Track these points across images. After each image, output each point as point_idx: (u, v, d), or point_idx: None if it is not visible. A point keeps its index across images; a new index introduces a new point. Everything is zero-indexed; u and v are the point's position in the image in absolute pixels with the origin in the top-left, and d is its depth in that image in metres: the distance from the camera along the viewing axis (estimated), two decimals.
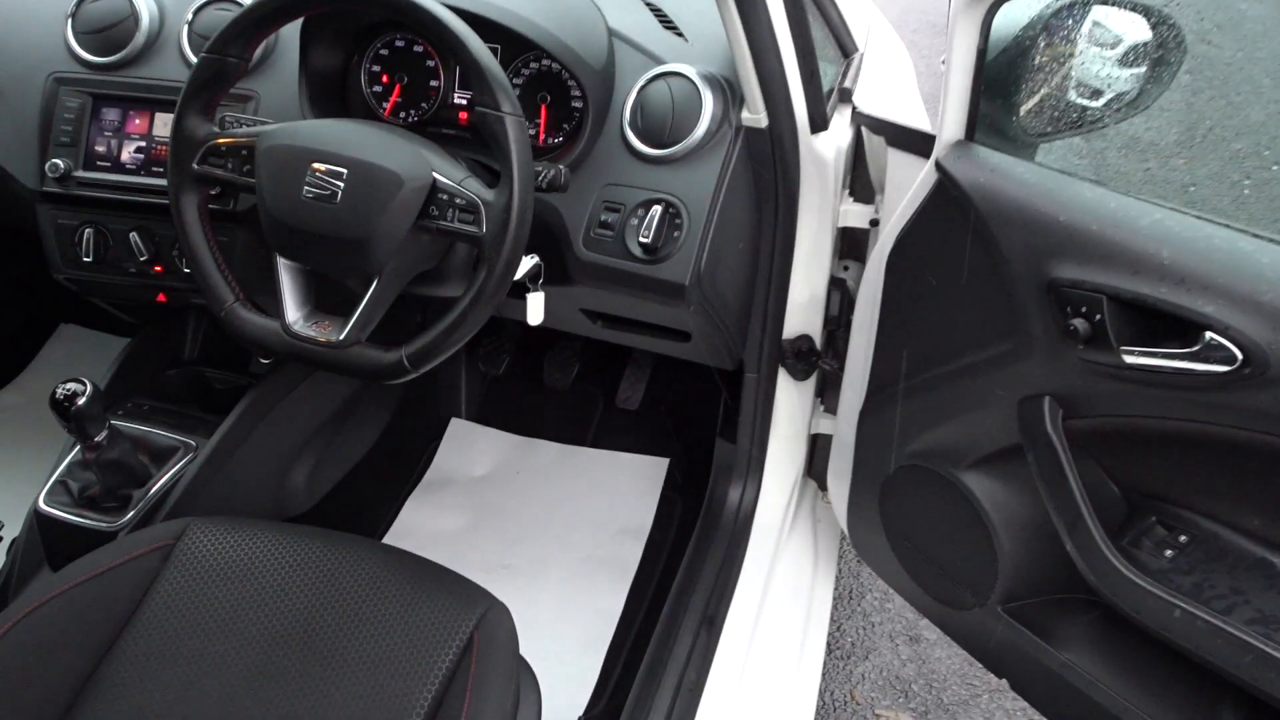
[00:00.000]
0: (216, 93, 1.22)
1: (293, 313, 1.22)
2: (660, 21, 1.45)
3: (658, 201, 1.29)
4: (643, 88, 1.32)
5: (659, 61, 1.36)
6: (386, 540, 1.89)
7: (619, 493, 2.00)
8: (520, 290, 1.48)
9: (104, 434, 1.41)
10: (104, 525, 1.41)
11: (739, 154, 1.32)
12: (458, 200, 1.14)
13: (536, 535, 1.92)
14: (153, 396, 1.65)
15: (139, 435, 1.53)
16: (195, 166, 1.22)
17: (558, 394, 2.15)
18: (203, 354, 1.79)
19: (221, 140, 1.21)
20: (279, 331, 1.21)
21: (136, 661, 1.10)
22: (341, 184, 1.14)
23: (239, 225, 1.47)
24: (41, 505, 1.44)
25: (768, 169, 1.37)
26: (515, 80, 1.43)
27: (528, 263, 1.25)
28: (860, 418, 1.54)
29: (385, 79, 1.48)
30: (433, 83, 1.47)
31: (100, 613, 1.14)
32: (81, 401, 1.35)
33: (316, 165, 1.15)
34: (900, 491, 1.50)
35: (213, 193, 1.31)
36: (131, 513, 1.42)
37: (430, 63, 1.47)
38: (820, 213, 1.47)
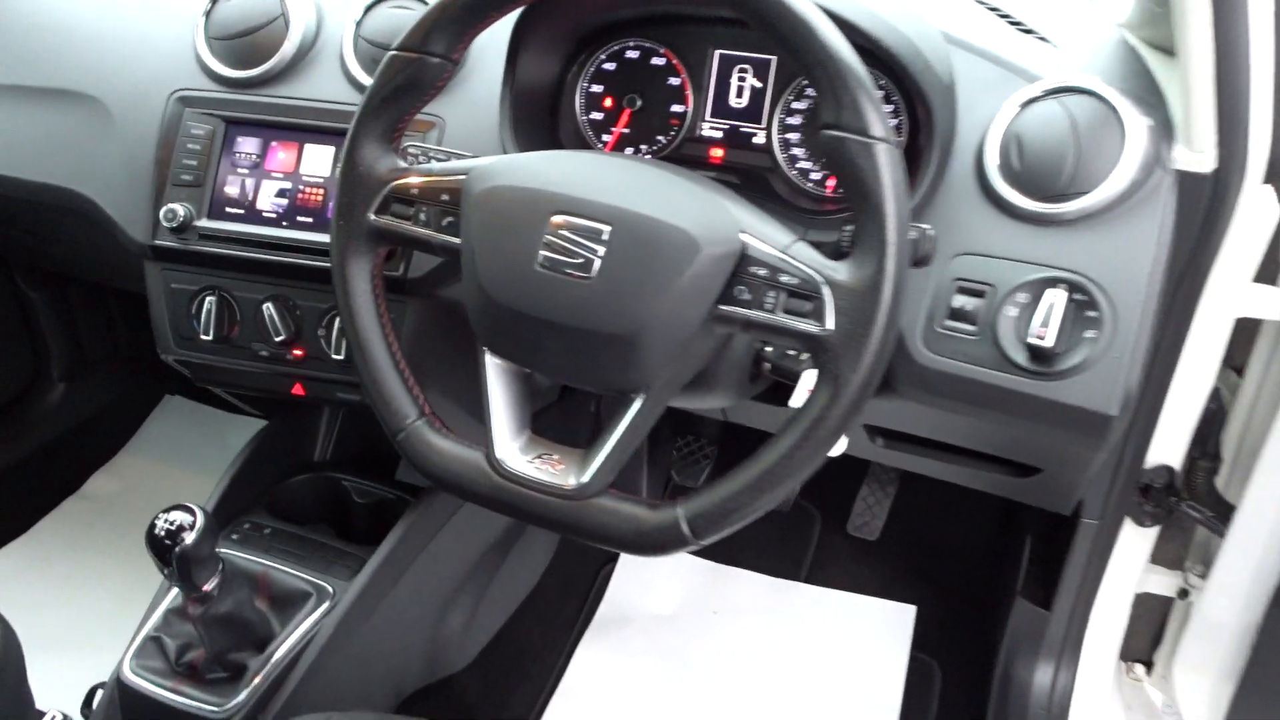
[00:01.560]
0: (409, 108, 0.83)
1: (506, 440, 0.80)
2: (1008, 23, 1.02)
3: (1057, 282, 0.84)
4: (1020, 111, 0.89)
5: (1029, 76, 0.92)
6: (557, 699, 1.46)
7: (850, 649, 1.53)
8: (777, 395, 1.06)
9: (215, 581, 1.02)
10: (209, 711, 1.01)
11: (1175, 211, 0.86)
12: (783, 277, 0.72)
13: (741, 705, 1.46)
14: (275, 512, 1.27)
15: (258, 574, 1.14)
16: (373, 217, 0.83)
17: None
18: (337, 454, 1.41)
19: (413, 179, 0.82)
20: (483, 467, 0.80)
21: None
22: (600, 248, 0.73)
23: (408, 298, 1.08)
24: (126, 673, 1.05)
25: (1188, 232, 0.92)
26: (795, 101, 1.02)
27: None
28: (1276, 598, 1.07)
29: (609, 102, 1.08)
30: (675, 107, 1.07)
31: None
32: (189, 540, 0.96)
33: (559, 219, 0.75)
34: None
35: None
36: (245, 693, 1.03)
37: (673, 80, 1.06)
38: (1225, 296, 1.01)
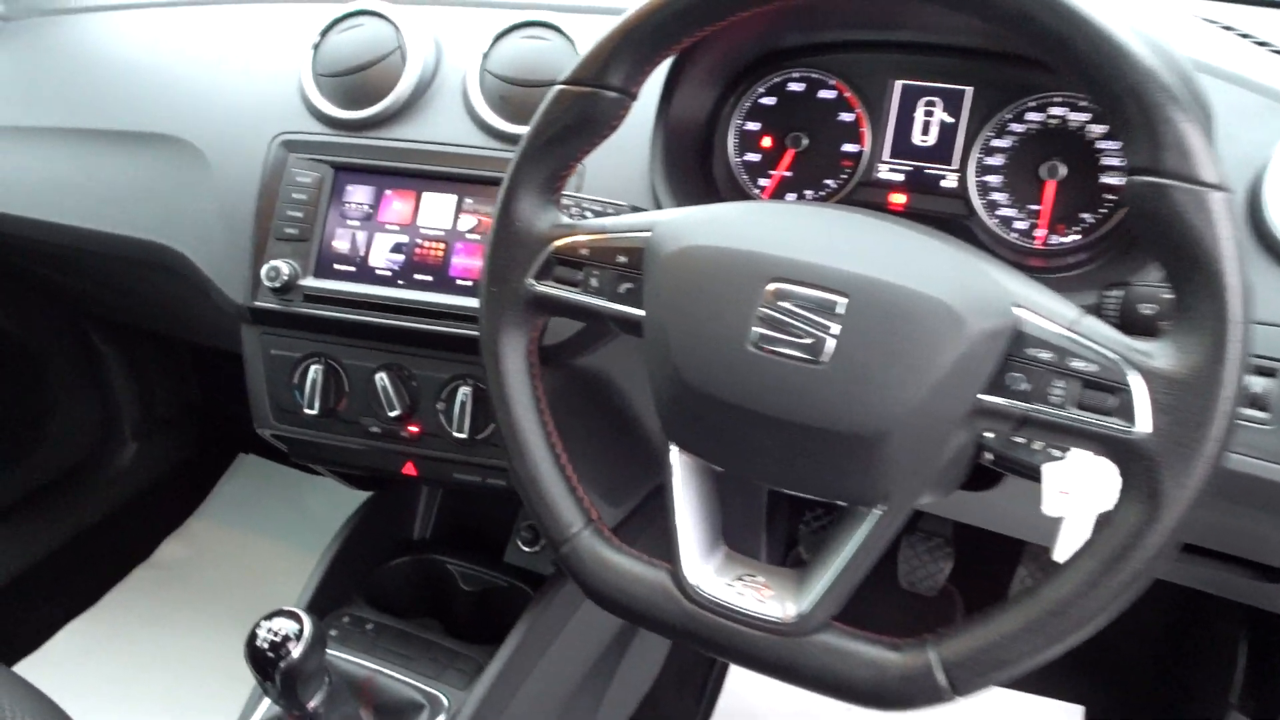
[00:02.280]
0: (578, 152, 0.70)
1: (697, 557, 0.66)
2: (1254, 44, 0.87)
3: None
4: None
5: None
6: None
7: None
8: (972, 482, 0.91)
9: (321, 695, 0.88)
10: None
11: None
12: (1074, 362, 0.56)
13: None
14: (373, 601, 1.13)
15: (364, 680, 1.00)
16: (532, 283, 0.69)
17: (912, 597, 1.52)
18: (437, 532, 1.27)
19: (580, 238, 0.68)
20: (670, 591, 0.65)
21: None
22: (834, 325, 0.59)
23: (543, 367, 0.93)
24: None
25: None
26: (996, 139, 0.87)
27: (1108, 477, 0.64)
28: None
29: (767, 142, 0.94)
30: (848, 147, 0.92)
31: None
32: (296, 653, 0.83)
33: (777, 287, 0.60)
34: None
35: None
36: None
37: (846, 115, 0.92)
38: None
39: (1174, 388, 0.54)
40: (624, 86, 0.67)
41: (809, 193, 0.94)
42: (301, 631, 0.84)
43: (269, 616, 0.86)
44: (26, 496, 1.58)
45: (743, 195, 0.96)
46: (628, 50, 0.66)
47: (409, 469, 1.01)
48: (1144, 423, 0.54)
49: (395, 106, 0.98)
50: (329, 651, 1.01)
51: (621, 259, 0.67)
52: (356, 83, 0.98)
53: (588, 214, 0.79)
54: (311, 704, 0.87)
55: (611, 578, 0.67)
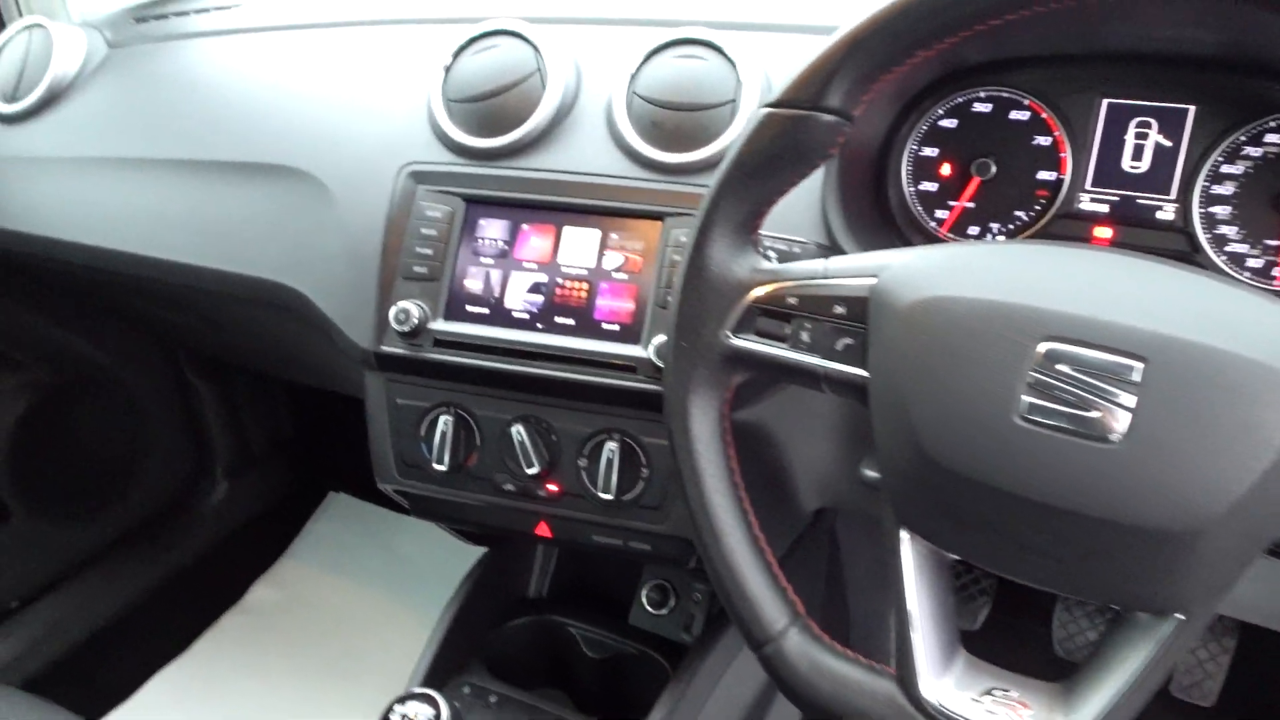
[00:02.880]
0: (785, 185, 0.61)
1: (932, 666, 0.55)
2: None
3: None
4: None
5: None
6: None
7: None
8: None
9: None
10: None
11: None
12: None
13: None
14: (493, 668, 1.04)
15: None
16: (729, 335, 0.60)
17: (1068, 665, 1.39)
18: (555, 589, 1.18)
19: (786, 284, 0.59)
20: (902, 706, 0.55)
21: None
22: (1129, 396, 0.48)
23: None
24: None
25: None
26: (1227, 165, 0.76)
27: None
28: None
29: (947, 169, 0.84)
30: (1044, 174, 0.82)
31: None
32: None
33: (1051, 347, 0.50)
34: None
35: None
36: None
37: (1041, 139, 0.82)
38: None
39: None
40: (843, 108, 0.58)
41: (995, 225, 0.84)
42: (438, 717, 0.76)
43: (401, 700, 0.78)
44: (120, 538, 1.53)
45: (919, 228, 0.86)
46: (855, 65, 0.56)
47: (542, 529, 0.92)
48: None
49: (534, 134, 0.89)
50: None
51: (839, 309, 0.57)
52: (491, 108, 0.90)
53: (770, 254, 0.70)
54: None
55: (828, 687, 0.57)
